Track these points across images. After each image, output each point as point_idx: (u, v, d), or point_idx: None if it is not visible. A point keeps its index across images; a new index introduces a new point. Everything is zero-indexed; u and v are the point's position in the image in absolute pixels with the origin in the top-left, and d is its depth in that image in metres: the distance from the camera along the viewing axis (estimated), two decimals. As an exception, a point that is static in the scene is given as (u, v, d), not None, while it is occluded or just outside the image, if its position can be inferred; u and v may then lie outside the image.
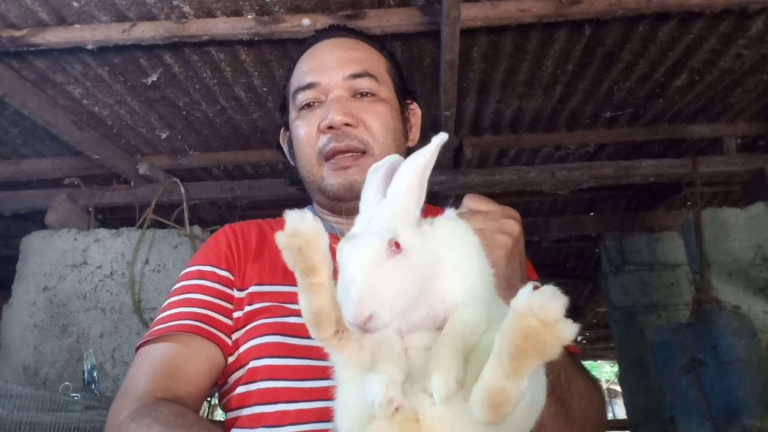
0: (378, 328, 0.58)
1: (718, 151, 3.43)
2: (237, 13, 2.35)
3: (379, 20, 2.32)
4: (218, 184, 3.67)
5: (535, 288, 0.53)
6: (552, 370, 0.85)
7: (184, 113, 3.04)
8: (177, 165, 3.51)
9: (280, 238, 0.63)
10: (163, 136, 3.23)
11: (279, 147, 1.34)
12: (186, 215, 3.40)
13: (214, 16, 2.36)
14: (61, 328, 3.21)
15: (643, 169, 3.40)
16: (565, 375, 0.91)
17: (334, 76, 1.16)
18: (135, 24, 2.35)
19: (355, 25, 1.94)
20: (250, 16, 2.35)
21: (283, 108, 1.31)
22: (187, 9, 2.32)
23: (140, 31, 2.34)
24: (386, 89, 1.21)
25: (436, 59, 2.61)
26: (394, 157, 0.74)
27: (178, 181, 3.48)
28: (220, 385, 1.10)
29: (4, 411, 2.01)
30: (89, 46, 2.39)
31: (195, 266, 1.14)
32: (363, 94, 1.17)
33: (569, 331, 0.51)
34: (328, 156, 1.13)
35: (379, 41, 1.30)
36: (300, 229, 0.62)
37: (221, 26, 2.34)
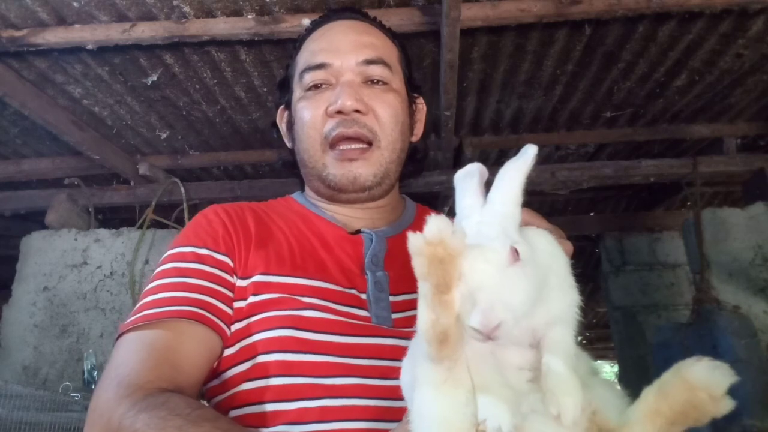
0: (503, 336, 0.57)
1: (718, 151, 3.43)
2: (237, 13, 2.35)
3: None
4: (218, 184, 3.67)
5: None
6: None
7: (184, 113, 3.04)
8: (177, 165, 3.50)
9: (417, 242, 0.57)
10: (163, 136, 3.23)
11: (274, 125, 1.27)
12: (186, 215, 3.40)
13: (214, 16, 2.36)
14: (61, 328, 3.21)
15: (643, 169, 3.40)
16: None
17: (347, 59, 1.11)
18: (135, 24, 2.34)
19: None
20: (250, 16, 2.35)
21: (283, 87, 1.24)
22: (187, 9, 2.31)
23: (140, 31, 2.34)
24: (398, 80, 1.16)
25: (436, 59, 2.61)
26: (479, 165, 0.72)
27: (178, 181, 3.48)
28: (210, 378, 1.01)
29: (4, 411, 2.01)
30: (89, 46, 2.39)
31: (189, 247, 1.03)
32: (374, 82, 1.12)
33: (728, 407, 0.55)
34: (334, 142, 1.08)
35: (391, 31, 1.25)
36: (447, 240, 0.57)
37: (221, 26, 2.34)
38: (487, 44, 2.58)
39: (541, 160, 3.73)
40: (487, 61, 2.70)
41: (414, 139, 1.23)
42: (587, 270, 5.59)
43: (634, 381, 4.06)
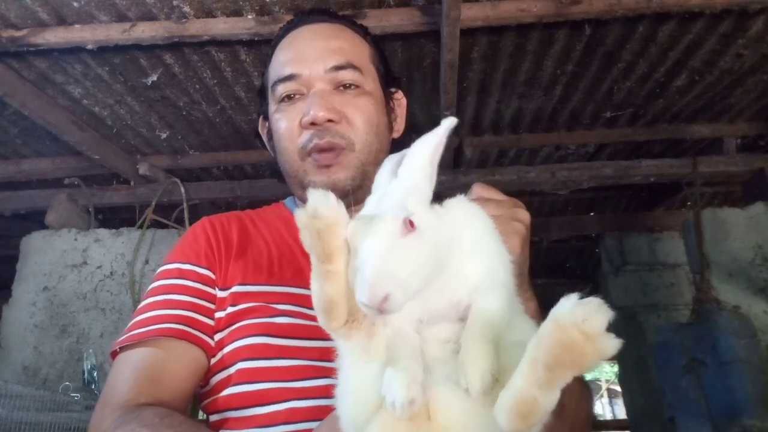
0: (393, 309, 0.55)
1: (718, 151, 3.43)
2: (237, 13, 2.35)
3: (379, 20, 2.32)
4: (218, 184, 3.67)
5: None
6: None
7: (184, 113, 3.04)
8: (177, 165, 3.51)
9: (300, 217, 0.59)
10: (163, 136, 3.23)
11: (258, 136, 1.29)
12: (186, 215, 3.40)
13: (214, 16, 2.36)
14: (61, 328, 3.21)
15: (643, 169, 3.40)
16: None
17: (315, 67, 1.11)
18: (135, 24, 2.35)
19: (355, 25, 1.94)
20: (250, 16, 2.35)
21: (261, 95, 1.25)
22: (187, 9, 2.32)
23: (140, 31, 2.34)
24: (370, 80, 1.16)
25: (436, 59, 2.61)
26: (406, 150, 0.72)
27: (178, 181, 3.49)
28: (200, 386, 1.07)
29: (4, 411, 2.01)
30: (89, 46, 2.39)
31: (174, 264, 1.09)
32: (346, 87, 1.12)
33: (611, 346, 0.49)
34: (310, 152, 1.10)
35: (361, 27, 1.24)
36: (321, 211, 0.58)
37: (221, 26, 2.34)
38: (487, 44, 2.58)
39: (541, 160, 3.73)
40: (487, 61, 2.70)
41: (395, 134, 1.23)
42: (587, 270, 5.59)
43: (634, 381, 4.06)
